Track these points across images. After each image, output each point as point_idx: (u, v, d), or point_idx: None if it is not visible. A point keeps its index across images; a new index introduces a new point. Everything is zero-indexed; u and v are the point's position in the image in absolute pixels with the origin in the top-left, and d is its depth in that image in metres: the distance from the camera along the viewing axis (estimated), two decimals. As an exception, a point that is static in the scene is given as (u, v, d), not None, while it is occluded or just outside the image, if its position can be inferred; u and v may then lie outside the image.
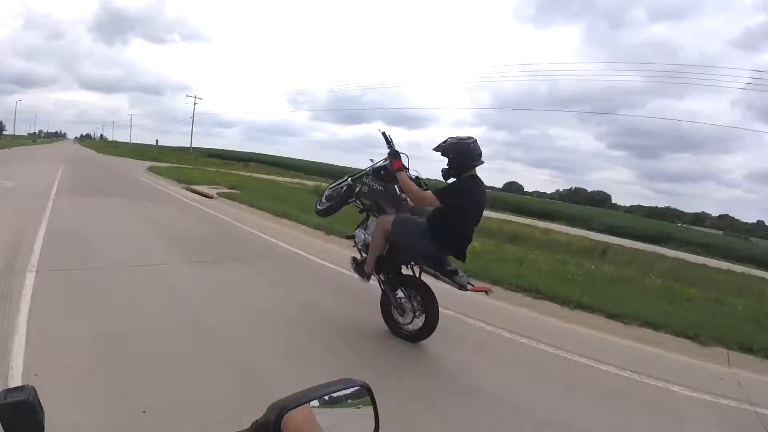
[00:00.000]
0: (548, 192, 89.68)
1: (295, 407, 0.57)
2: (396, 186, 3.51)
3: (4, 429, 0.56)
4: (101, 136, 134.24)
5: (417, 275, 3.42)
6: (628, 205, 76.60)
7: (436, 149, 3.21)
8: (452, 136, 3.21)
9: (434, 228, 3.11)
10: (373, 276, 3.51)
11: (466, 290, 3.17)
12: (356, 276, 3.66)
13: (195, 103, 56.05)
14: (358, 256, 3.76)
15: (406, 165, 3.46)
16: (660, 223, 47.13)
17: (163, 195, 12.59)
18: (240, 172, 26.89)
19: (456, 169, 3.15)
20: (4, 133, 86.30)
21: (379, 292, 3.56)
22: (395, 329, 3.44)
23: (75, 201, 8.89)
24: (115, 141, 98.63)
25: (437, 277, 3.25)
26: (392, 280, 3.47)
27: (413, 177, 3.45)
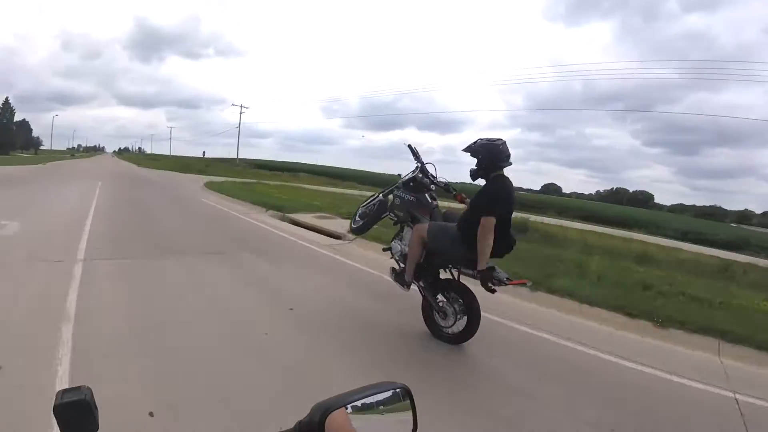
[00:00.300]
0: (586, 192, 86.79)
1: (338, 408, 0.59)
2: (427, 195, 3.70)
3: (60, 428, 0.58)
4: (139, 149, 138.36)
5: (456, 278, 3.48)
6: (668, 204, 73.37)
7: (466, 150, 3.29)
8: (482, 137, 3.30)
9: (466, 232, 3.15)
10: (413, 284, 3.58)
11: (506, 284, 3.18)
12: (397, 285, 3.66)
13: (241, 113, 51.44)
14: (397, 267, 3.80)
15: (434, 173, 3.74)
16: (727, 227, 43.88)
17: (262, 236, 7.64)
18: (313, 187, 22.89)
19: (485, 169, 3.22)
20: (42, 147, 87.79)
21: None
22: (438, 333, 3.46)
23: (123, 271, 4.47)
24: (154, 154, 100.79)
25: (475, 277, 3.20)
26: (432, 286, 3.52)
27: (442, 184, 3.78)
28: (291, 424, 0.61)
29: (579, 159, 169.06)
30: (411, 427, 0.66)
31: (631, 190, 79.68)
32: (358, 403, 0.62)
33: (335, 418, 0.58)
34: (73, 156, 72.21)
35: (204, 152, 37.82)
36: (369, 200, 4.19)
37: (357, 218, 4.23)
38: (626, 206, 57.84)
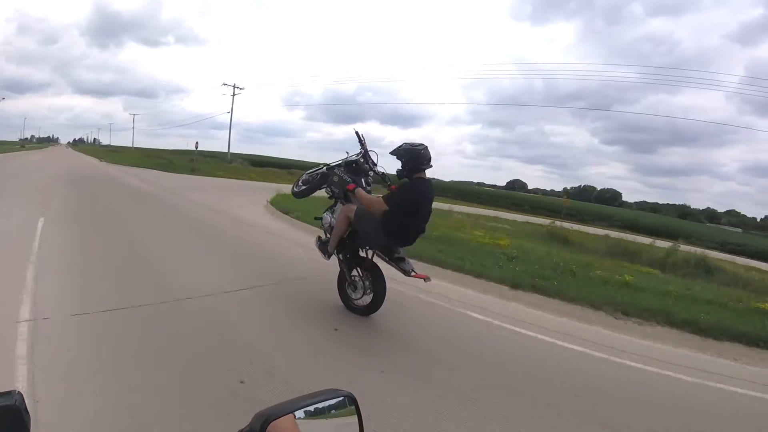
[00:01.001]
0: (548, 189, 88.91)
1: (280, 417, 0.58)
2: (363, 179, 4.01)
3: None
4: (95, 140, 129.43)
5: (370, 258, 3.88)
6: (631, 201, 76.47)
7: (392, 153, 3.61)
8: (407, 142, 3.65)
9: (385, 223, 3.52)
10: (334, 255, 3.97)
11: (410, 276, 3.63)
12: (319, 253, 4.08)
13: (234, 94, 39.31)
14: (323, 236, 4.20)
15: (376, 161, 4.05)
16: (723, 230, 44.66)
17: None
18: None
19: (408, 170, 3.57)
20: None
21: None
22: (347, 303, 3.90)
23: None
24: (113, 146, 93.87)
25: (387, 262, 3.72)
26: (350, 260, 3.90)
27: (380, 173, 4.10)
28: None
29: (539, 156, 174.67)
30: None
31: (598, 188, 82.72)
32: (310, 409, 0.62)
33: (278, 426, 0.58)
34: (23, 147, 65.15)
35: (197, 144, 28.84)
36: (314, 170, 4.48)
37: (300, 183, 4.50)
38: (595, 204, 59.61)
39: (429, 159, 3.60)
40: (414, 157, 3.56)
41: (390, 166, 3.92)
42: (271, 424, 0.57)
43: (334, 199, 4.18)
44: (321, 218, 4.30)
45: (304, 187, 4.43)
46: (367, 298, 3.77)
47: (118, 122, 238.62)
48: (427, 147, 3.61)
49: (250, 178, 25.07)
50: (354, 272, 3.88)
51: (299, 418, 0.60)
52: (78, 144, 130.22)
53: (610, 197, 74.07)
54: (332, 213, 4.13)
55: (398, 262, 3.70)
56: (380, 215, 3.54)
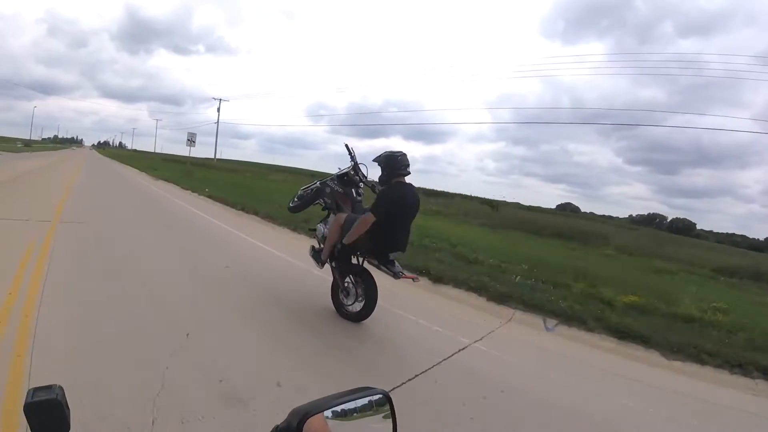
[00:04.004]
0: (617, 216, 79.78)
1: (316, 414, 0.59)
2: (354, 190, 4.26)
3: (31, 427, 0.56)
4: (120, 143, 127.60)
5: (360, 264, 3.98)
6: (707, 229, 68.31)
7: (375, 160, 3.87)
8: (388, 150, 3.88)
9: (370, 230, 3.64)
10: (327, 263, 4.13)
11: (399, 278, 3.80)
12: (313, 261, 4.29)
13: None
14: (317, 246, 4.41)
15: (365, 174, 4.29)
16: None
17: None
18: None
19: (387, 176, 3.79)
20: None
21: None
22: (339, 309, 4.02)
23: None
24: (136, 150, 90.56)
25: (377, 267, 3.83)
26: (342, 268, 4.01)
27: (370, 184, 4.30)
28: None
29: (560, 174, 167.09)
30: None
31: (669, 218, 74.14)
32: (337, 409, 0.61)
33: (313, 423, 0.58)
34: (27, 147, 53.36)
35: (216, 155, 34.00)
36: (309, 185, 4.62)
37: (295, 199, 4.66)
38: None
39: (407, 165, 3.81)
40: (392, 163, 3.77)
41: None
42: (307, 421, 0.57)
43: (327, 211, 4.36)
44: (315, 229, 4.52)
45: (298, 202, 4.59)
46: (358, 305, 3.89)
47: (142, 128, 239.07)
48: (405, 154, 3.83)
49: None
50: (347, 280, 3.98)
51: (330, 417, 0.60)
52: (103, 147, 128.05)
53: (684, 227, 65.90)
54: (325, 224, 4.29)
55: (388, 265, 3.79)
56: (371, 225, 3.65)
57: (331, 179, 4.32)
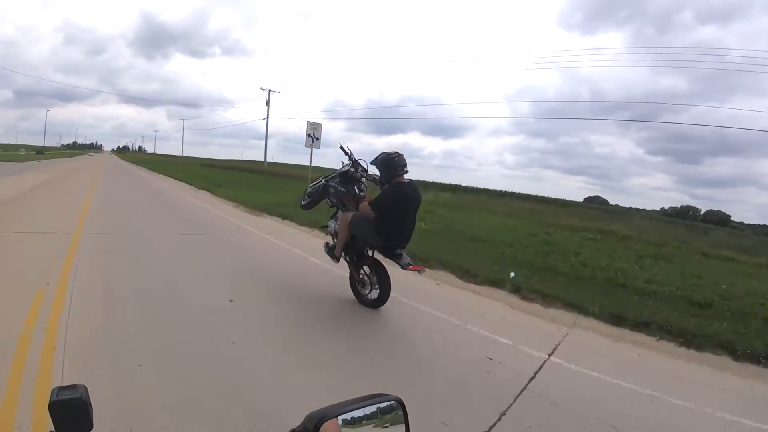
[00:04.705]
0: (637, 207, 76.19)
1: (332, 418, 0.60)
2: (355, 187, 4.43)
3: (55, 425, 0.58)
4: (140, 148, 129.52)
5: (371, 256, 4.24)
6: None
7: (372, 162, 4.09)
8: (384, 151, 4.02)
9: (376, 225, 3.92)
10: (342, 257, 4.38)
11: (406, 269, 3.98)
12: (328, 257, 4.49)
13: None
14: (330, 242, 4.58)
15: (366, 168, 4.45)
16: None
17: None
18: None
19: (386, 176, 3.99)
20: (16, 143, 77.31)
21: None
22: (359, 298, 4.29)
23: None
24: (157, 154, 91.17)
25: (385, 257, 4.09)
26: (357, 261, 4.29)
27: (372, 178, 4.43)
28: None
29: (580, 166, 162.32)
30: None
31: (702, 210, 70.48)
32: (351, 414, 0.63)
33: (328, 428, 0.59)
34: (39, 155, 47.33)
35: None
36: (316, 182, 4.81)
37: (306, 197, 4.89)
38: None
39: (404, 165, 3.97)
40: (390, 164, 3.94)
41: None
42: (323, 426, 0.59)
43: (335, 208, 4.59)
44: (326, 226, 4.73)
45: (309, 200, 4.83)
46: (375, 293, 4.13)
47: (161, 131, 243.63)
48: (401, 155, 3.97)
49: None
50: (362, 271, 4.22)
51: (341, 425, 0.62)
52: (123, 151, 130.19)
53: (720, 220, 62.62)
54: (335, 220, 4.51)
55: (396, 258, 3.99)
56: (375, 220, 3.92)
57: (333, 178, 4.55)
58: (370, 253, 4.25)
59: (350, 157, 4.50)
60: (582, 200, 70.78)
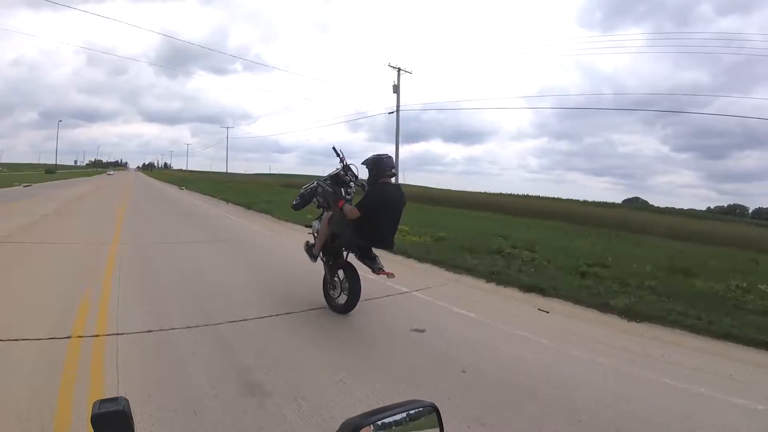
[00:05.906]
0: (694, 209, 71.02)
1: (366, 426, 0.61)
2: (343, 189, 4.46)
3: None
4: (166, 164, 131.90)
5: (345, 258, 4.33)
6: None
7: (363, 163, 4.15)
8: (375, 153, 4.17)
9: (357, 225, 3.98)
10: (319, 258, 4.49)
11: (377, 273, 4.04)
12: (306, 256, 4.68)
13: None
14: (311, 241, 4.75)
15: (356, 173, 4.53)
16: None
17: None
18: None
19: (374, 177, 4.06)
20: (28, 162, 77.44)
21: None
22: (329, 302, 4.35)
23: None
24: (188, 170, 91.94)
25: (359, 260, 4.19)
26: (332, 264, 4.36)
27: (360, 183, 4.49)
28: None
29: (605, 167, 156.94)
30: None
31: (750, 208, 65.72)
32: (387, 421, 0.63)
33: None
34: (48, 174, 37.45)
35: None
36: (308, 185, 4.94)
37: (298, 198, 4.97)
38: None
39: (392, 166, 4.11)
40: (379, 165, 4.04)
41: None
42: None
43: (322, 209, 4.68)
44: (310, 226, 4.97)
45: (299, 200, 4.92)
46: (344, 297, 4.15)
47: (183, 148, 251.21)
48: (390, 157, 4.17)
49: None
50: (336, 274, 4.28)
51: (374, 430, 0.61)
52: (149, 169, 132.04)
53: (773, 216, 58.05)
54: (320, 221, 4.63)
55: (369, 261, 4.09)
56: (356, 220, 3.95)
57: (324, 180, 4.66)
58: (346, 256, 4.35)
59: (342, 160, 4.60)
60: (621, 202, 67.40)
